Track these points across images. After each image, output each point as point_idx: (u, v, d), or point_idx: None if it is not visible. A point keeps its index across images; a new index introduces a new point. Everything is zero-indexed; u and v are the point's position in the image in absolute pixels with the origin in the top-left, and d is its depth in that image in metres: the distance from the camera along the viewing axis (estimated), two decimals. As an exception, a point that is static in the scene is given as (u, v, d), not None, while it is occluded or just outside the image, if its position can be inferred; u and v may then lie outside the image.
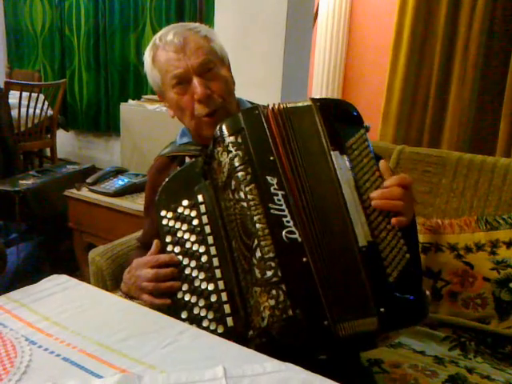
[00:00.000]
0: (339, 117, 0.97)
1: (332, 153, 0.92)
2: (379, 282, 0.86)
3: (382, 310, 0.84)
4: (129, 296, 1.11)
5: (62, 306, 0.89)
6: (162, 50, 1.10)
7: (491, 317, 1.31)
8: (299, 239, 0.85)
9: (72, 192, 2.45)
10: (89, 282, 1.33)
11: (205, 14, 2.49)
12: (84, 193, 2.42)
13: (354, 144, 0.95)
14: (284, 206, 0.87)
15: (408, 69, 3.25)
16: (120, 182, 2.45)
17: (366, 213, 0.89)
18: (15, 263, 2.44)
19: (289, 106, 0.97)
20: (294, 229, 0.85)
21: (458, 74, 3.09)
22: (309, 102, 0.97)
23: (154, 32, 4.24)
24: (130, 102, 3.87)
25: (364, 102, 3.67)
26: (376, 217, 0.89)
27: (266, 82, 2.23)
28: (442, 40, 3.12)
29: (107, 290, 1.28)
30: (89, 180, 2.46)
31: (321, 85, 3.76)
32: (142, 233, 1.30)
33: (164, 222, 1.00)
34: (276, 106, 0.96)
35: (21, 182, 2.75)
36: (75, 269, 2.47)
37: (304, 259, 0.84)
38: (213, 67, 1.10)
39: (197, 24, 1.16)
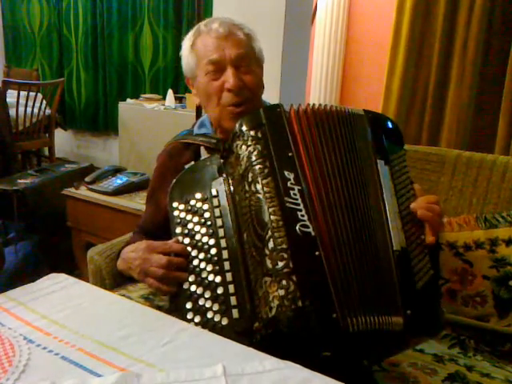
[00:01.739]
0: (386, 132, 1.03)
1: (378, 160, 0.97)
2: (409, 285, 0.88)
3: (408, 312, 0.86)
4: (124, 275, 1.11)
5: (60, 305, 0.88)
6: (206, 35, 1.14)
7: (490, 315, 1.31)
8: (313, 233, 0.86)
9: (70, 191, 2.45)
10: (87, 281, 1.32)
11: (203, 14, 2.48)
12: (82, 192, 2.42)
13: (396, 160, 1.00)
14: (299, 201, 0.88)
15: (406, 67, 3.25)
16: (118, 180, 2.45)
17: (402, 221, 0.93)
18: (13, 262, 2.43)
19: (337, 109, 0.99)
20: (308, 223, 0.86)
21: (456, 72, 3.08)
22: (361, 112, 1.02)
23: (152, 31, 4.24)
24: (129, 101, 3.87)
25: (362, 100, 3.67)
26: (409, 228, 0.93)
27: (265, 81, 2.22)
28: (441, 38, 3.11)
29: (106, 288, 1.28)
30: (87, 179, 2.46)
31: (319, 83, 3.76)
32: (143, 218, 1.30)
33: (175, 213, 1.01)
34: (304, 107, 0.98)
35: (19, 181, 2.75)
36: (74, 268, 2.47)
37: (316, 253, 0.85)
38: (249, 63, 1.14)
39: (242, 22, 1.19)
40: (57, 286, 0.95)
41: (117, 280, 1.44)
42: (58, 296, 0.92)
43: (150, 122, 3.50)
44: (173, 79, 4.18)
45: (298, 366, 0.72)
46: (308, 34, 2.42)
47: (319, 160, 0.93)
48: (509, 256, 1.29)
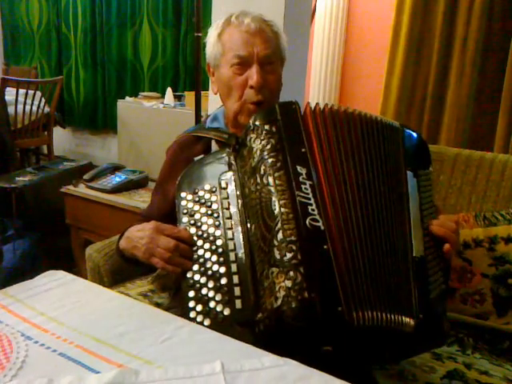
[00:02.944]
0: (418, 149, 1.07)
1: (407, 171, 1.00)
2: (424, 292, 0.91)
3: (420, 315, 0.88)
4: (125, 254, 1.10)
5: (58, 302, 0.88)
6: (236, 29, 1.15)
7: (489, 313, 1.31)
8: (322, 227, 0.86)
9: (69, 189, 2.44)
10: (86, 279, 1.32)
11: (202, 12, 2.48)
12: (81, 189, 2.41)
13: (423, 176, 1.03)
14: (310, 195, 0.88)
15: (405, 67, 3.25)
16: (117, 178, 2.44)
17: (423, 233, 0.96)
18: (12, 260, 2.42)
19: (361, 114, 1.00)
20: (317, 217, 0.87)
21: (455, 71, 3.08)
22: (397, 124, 1.06)
23: (152, 29, 4.24)
24: (127, 99, 3.87)
25: (362, 100, 3.67)
26: (428, 240, 0.96)
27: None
28: (440, 38, 3.11)
29: (104, 285, 1.28)
30: (86, 176, 2.45)
31: (319, 82, 3.76)
32: (148, 208, 1.30)
33: (183, 203, 1.02)
34: (321, 107, 0.99)
35: (17, 178, 2.74)
36: (72, 265, 2.46)
37: (325, 247, 0.85)
38: (274, 62, 1.17)
39: (271, 19, 1.20)
40: (55, 283, 0.95)
41: (115, 277, 1.44)
42: (55, 293, 0.92)
43: (149, 120, 3.50)
44: (172, 77, 4.17)
45: (296, 362, 0.72)
46: (307, 34, 2.41)
47: (334, 158, 0.94)
48: (508, 254, 1.29)
